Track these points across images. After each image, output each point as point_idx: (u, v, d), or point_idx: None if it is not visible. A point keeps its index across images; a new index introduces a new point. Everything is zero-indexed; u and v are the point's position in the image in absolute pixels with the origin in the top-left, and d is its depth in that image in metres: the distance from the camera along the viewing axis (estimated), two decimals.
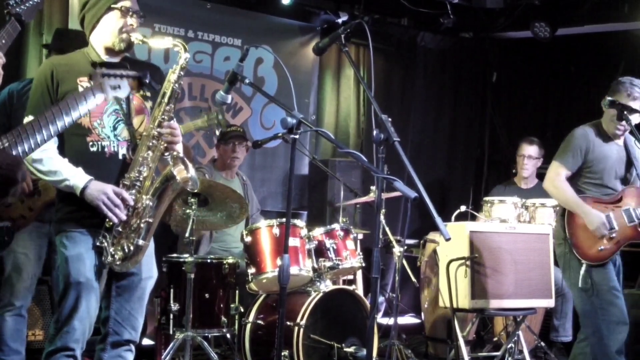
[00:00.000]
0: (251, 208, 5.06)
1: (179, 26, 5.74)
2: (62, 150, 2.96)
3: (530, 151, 5.76)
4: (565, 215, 4.11)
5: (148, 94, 3.11)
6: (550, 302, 4.65)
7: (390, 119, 2.72)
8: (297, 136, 2.86)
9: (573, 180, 4.14)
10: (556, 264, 4.66)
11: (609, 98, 4.02)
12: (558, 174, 4.11)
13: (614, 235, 3.98)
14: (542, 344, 5.14)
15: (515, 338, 4.67)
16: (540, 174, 5.76)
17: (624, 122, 4.02)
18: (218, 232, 4.90)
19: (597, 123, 4.18)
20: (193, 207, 4.07)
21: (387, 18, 6.83)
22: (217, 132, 4.97)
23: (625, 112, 4.01)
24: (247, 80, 2.98)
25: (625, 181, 4.15)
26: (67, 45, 3.88)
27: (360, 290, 5.05)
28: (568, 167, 4.10)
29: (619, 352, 3.94)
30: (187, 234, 4.09)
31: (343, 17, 6.31)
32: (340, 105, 6.78)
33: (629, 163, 4.12)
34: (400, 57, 7.07)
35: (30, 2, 2.68)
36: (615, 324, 3.93)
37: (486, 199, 5.32)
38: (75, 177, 2.89)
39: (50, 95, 2.95)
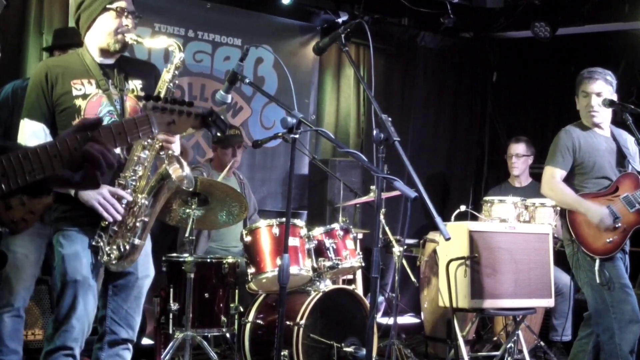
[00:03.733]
0: (249, 208, 5.06)
1: (179, 26, 5.74)
2: None
3: (517, 150, 5.80)
4: (566, 216, 4.12)
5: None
6: (550, 302, 4.65)
7: (390, 119, 2.72)
8: (297, 136, 2.87)
9: (570, 180, 4.16)
10: (556, 263, 4.67)
11: (608, 98, 4.05)
12: (552, 176, 4.13)
13: (619, 224, 3.99)
14: (542, 343, 5.14)
15: (515, 338, 4.67)
16: (534, 174, 5.81)
17: (596, 107, 4.07)
18: (217, 231, 4.90)
19: (579, 122, 4.23)
20: (193, 206, 4.07)
21: (387, 18, 6.82)
22: (219, 134, 4.96)
23: (625, 113, 4.03)
24: (247, 80, 2.99)
25: (622, 169, 4.16)
26: (69, 43, 3.89)
27: (360, 290, 5.05)
28: (561, 168, 4.12)
29: (631, 352, 3.93)
30: (187, 234, 4.09)
31: (343, 17, 6.31)
32: (340, 105, 6.78)
33: (621, 153, 4.13)
34: (401, 57, 7.07)
35: None
36: (627, 322, 3.93)
37: (486, 198, 5.33)
38: None
39: (46, 97, 2.96)
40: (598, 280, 3.98)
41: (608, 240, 3.99)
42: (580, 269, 4.09)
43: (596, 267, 3.99)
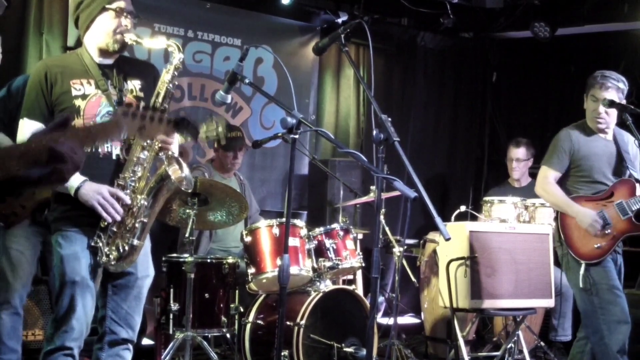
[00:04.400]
0: (250, 208, 5.05)
1: (178, 26, 5.73)
2: None
3: (518, 154, 5.79)
4: (558, 218, 4.12)
5: (141, 99, 3.09)
6: (550, 302, 4.65)
7: (390, 119, 2.71)
8: (297, 136, 2.87)
9: (564, 181, 4.16)
10: (556, 263, 4.67)
11: (608, 98, 4.02)
12: (546, 177, 4.14)
13: (609, 231, 3.98)
14: (542, 343, 5.14)
15: (515, 338, 4.67)
16: (534, 174, 5.81)
17: (602, 115, 4.05)
18: (217, 231, 4.90)
19: (582, 122, 4.21)
20: (194, 206, 4.07)
21: (387, 18, 6.82)
22: (215, 145, 4.97)
23: (625, 113, 4.02)
24: (247, 80, 2.98)
25: (619, 175, 4.14)
26: None
27: (360, 290, 5.05)
28: (555, 169, 4.12)
29: (620, 352, 3.93)
30: (187, 234, 4.09)
31: (343, 17, 6.30)
32: (340, 105, 6.78)
33: (620, 157, 4.12)
34: (400, 57, 7.07)
35: None
36: (616, 323, 3.93)
37: (486, 198, 5.33)
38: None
39: (45, 96, 2.97)
40: (582, 285, 3.99)
41: (596, 245, 3.98)
42: (569, 270, 4.10)
43: (581, 272, 3.99)
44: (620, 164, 4.12)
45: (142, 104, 3.03)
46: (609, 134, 4.17)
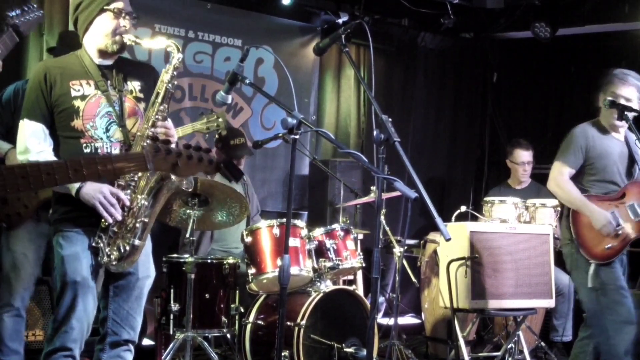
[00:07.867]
0: (251, 208, 5.05)
1: (179, 26, 5.74)
2: (57, 152, 2.97)
3: (528, 157, 5.74)
4: (569, 216, 4.09)
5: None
6: (550, 302, 4.64)
7: (390, 119, 2.71)
8: (297, 136, 2.87)
9: (577, 178, 4.12)
10: (556, 264, 4.67)
11: (609, 98, 4.00)
12: (561, 173, 4.08)
13: (620, 232, 3.96)
14: (543, 344, 5.14)
15: (516, 338, 4.67)
16: (532, 174, 5.80)
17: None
18: (218, 232, 4.90)
19: (596, 120, 4.17)
20: (194, 207, 4.07)
21: (387, 18, 6.83)
22: (217, 136, 4.95)
23: (625, 112, 4.01)
24: (247, 81, 2.98)
25: (630, 176, 4.12)
26: (74, 46, 3.90)
27: (360, 291, 5.05)
28: (570, 166, 4.08)
29: (626, 353, 3.91)
30: (187, 234, 4.09)
31: (343, 18, 6.31)
32: (340, 106, 6.78)
33: (632, 158, 4.10)
34: (401, 57, 7.07)
35: (31, 16, 2.70)
36: (622, 323, 3.91)
37: (486, 199, 5.32)
38: None
39: (45, 98, 2.97)
40: (590, 285, 3.96)
41: (607, 246, 3.95)
42: (577, 270, 4.07)
43: (590, 271, 3.96)
44: (631, 165, 4.09)
45: (175, 139, 3.04)
46: (621, 134, 4.14)
